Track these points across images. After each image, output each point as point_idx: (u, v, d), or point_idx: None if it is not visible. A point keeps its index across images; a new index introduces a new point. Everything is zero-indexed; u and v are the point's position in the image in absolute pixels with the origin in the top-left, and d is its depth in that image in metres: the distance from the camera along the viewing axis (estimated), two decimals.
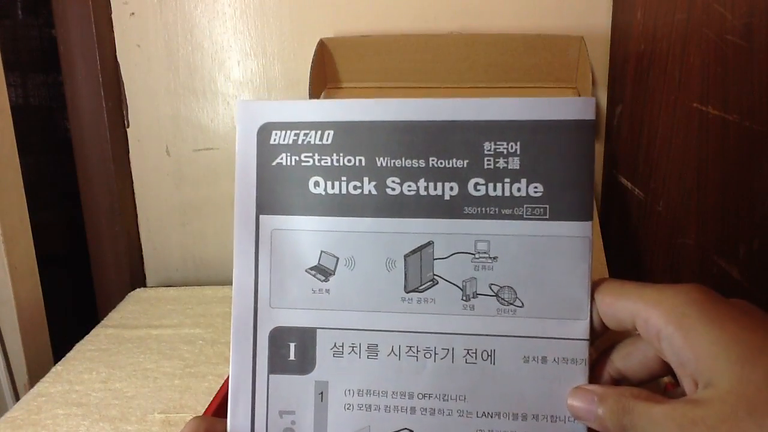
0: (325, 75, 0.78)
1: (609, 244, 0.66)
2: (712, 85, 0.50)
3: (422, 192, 0.31)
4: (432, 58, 0.76)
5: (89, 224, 0.86)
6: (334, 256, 0.32)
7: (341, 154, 0.32)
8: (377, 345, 0.31)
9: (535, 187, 0.31)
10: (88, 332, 0.71)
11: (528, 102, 0.31)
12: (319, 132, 0.32)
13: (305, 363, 0.32)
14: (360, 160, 0.32)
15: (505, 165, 0.31)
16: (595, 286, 0.31)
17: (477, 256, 0.31)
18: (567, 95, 0.75)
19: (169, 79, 0.83)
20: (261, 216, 0.32)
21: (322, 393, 0.31)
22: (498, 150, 0.31)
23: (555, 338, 0.31)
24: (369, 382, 0.31)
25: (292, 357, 0.32)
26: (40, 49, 0.95)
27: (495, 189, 0.31)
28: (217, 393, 0.43)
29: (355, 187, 0.32)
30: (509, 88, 0.76)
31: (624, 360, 0.30)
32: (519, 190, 0.31)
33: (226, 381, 0.44)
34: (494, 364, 0.31)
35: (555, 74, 0.76)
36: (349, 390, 0.31)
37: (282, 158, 0.32)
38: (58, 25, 0.80)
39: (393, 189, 0.31)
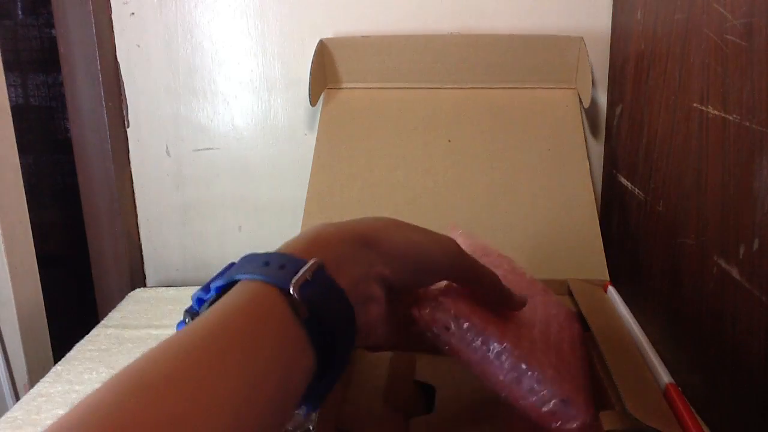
0: (325, 75, 0.78)
1: (609, 244, 0.66)
2: (712, 85, 0.50)
3: None
4: (432, 58, 0.76)
5: (89, 224, 0.86)
6: None
7: None
8: None
9: None
10: (88, 332, 0.71)
11: None
12: None
13: None
14: None
15: None
16: None
17: None
18: (567, 95, 0.75)
19: (169, 79, 0.83)
20: None
21: None
22: None
23: None
24: None
25: None
26: (40, 49, 0.95)
27: None
28: None
29: None
30: (509, 88, 0.76)
31: None
32: None
33: None
34: None
35: (555, 74, 0.76)
36: None
37: None
38: (58, 25, 0.80)
39: None
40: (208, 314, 0.27)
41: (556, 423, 0.34)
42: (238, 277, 0.29)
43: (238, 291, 0.28)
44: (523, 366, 0.34)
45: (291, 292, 0.27)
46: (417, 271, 0.34)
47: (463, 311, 0.34)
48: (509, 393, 0.34)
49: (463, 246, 0.38)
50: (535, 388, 0.34)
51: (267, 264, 0.29)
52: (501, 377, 0.34)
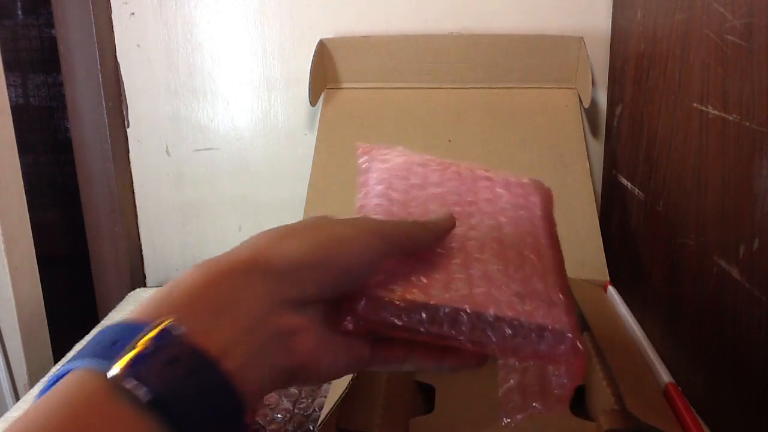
0: (325, 75, 0.78)
1: (609, 244, 0.66)
2: (712, 85, 0.50)
3: None
4: (432, 58, 0.76)
5: (89, 224, 0.86)
6: None
7: None
8: None
9: None
10: (88, 332, 0.71)
11: None
12: None
13: None
14: None
15: None
16: None
17: None
18: (567, 95, 0.75)
19: (169, 79, 0.83)
20: None
21: None
22: None
23: None
24: None
25: None
26: (40, 49, 0.95)
27: None
28: None
29: None
30: (509, 88, 0.76)
31: None
32: None
33: None
34: None
35: (555, 75, 0.76)
36: None
37: None
38: (58, 25, 0.80)
39: None
40: (16, 423, 0.20)
41: (548, 351, 0.30)
42: (65, 368, 0.22)
43: (57, 389, 0.21)
44: (486, 317, 0.30)
45: (111, 376, 0.20)
46: (333, 279, 0.28)
47: (398, 294, 0.30)
48: (483, 349, 0.31)
49: (382, 169, 0.37)
50: (507, 334, 0.30)
51: (99, 342, 0.22)
52: (465, 341, 0.30)
